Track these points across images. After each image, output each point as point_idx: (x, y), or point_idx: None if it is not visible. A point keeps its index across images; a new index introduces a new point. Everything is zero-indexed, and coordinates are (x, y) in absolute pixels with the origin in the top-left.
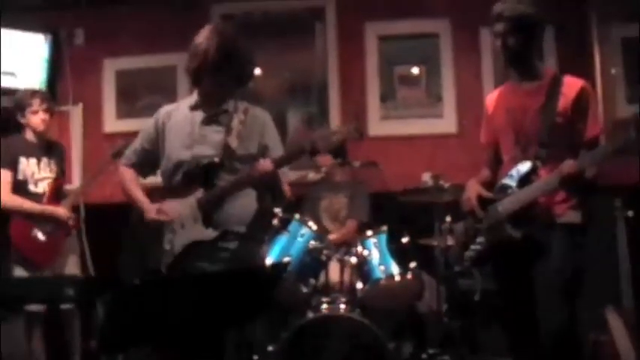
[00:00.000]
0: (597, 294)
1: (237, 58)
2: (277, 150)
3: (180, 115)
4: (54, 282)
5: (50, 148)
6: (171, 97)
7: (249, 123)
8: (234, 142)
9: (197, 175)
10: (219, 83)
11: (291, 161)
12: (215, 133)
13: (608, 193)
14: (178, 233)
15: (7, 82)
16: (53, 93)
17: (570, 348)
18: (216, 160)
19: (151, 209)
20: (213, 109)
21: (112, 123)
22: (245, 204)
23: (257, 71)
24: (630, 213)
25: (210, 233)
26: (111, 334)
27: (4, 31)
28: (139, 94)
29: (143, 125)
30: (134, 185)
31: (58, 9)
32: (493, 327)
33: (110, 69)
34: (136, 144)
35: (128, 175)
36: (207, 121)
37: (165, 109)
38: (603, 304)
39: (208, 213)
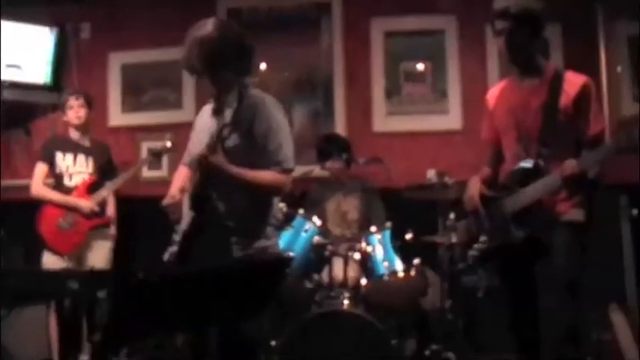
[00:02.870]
0: (601, 292)
1: (220, 61)
2: (269, 136)
3: (204, 113)
4: (57, 276)
5: (91, 146)
6: (177, 91)
7: (243, 111)
8: (226, 132)
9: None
10: (214, 81)
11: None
12: (215, 126)
13: (613, 191)
14: (182, 225)
15: (12, 75)
16: (58, 86)
17: (574, 346)
18: (205, 151)
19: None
20: (218, 103)
21: (117, 117)
22: (236, 199)
23: (262, 66)
24: (635, 212)
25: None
26: (115, 327)
27: (10, 23)
28: (145, 88)
29: (148, 119)
30: (175, 179)
31: (65, 2)
32: (496, 324)
33: (116, 63)
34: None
35: (180, 170)
36: (213, 115)
37: (202, 109)
38: (607, 302)
39: (193, 204)
